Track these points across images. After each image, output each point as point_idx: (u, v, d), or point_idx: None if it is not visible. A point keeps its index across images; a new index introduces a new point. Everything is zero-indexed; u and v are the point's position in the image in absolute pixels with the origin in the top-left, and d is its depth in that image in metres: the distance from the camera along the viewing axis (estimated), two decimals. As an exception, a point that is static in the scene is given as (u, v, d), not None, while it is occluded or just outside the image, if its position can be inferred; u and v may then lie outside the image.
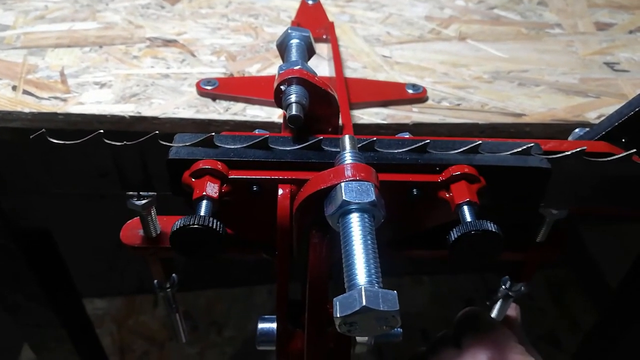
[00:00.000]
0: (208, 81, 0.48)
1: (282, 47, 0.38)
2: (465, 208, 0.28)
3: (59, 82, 0.48)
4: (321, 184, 0.27)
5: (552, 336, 1.25)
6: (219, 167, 0.29)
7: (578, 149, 0.30)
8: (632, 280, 0.83)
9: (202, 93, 0.48)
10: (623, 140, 0.36)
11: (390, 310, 0.21)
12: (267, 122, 0.46)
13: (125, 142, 0.29)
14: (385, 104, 0.48)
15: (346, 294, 0.22)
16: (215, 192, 0.28)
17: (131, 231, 0.35)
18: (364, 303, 0.21)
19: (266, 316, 0.37)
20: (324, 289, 0.29)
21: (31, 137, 0.28)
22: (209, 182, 0.29)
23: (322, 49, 0.55)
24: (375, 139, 0.31)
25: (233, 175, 0.30)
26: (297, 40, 0.37)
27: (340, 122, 0.36)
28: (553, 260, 0.37)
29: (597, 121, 0.48)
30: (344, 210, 0.25)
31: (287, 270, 0.30)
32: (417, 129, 0.47)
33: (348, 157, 0.28)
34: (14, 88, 0.47)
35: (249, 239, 0.34)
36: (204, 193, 0.28)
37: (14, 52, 0.52)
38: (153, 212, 0.34)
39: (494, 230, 0.26)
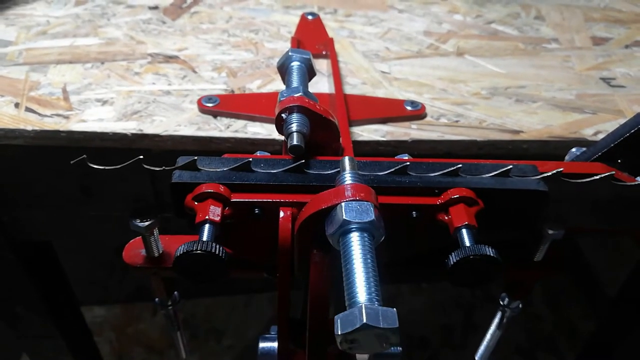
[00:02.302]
0: (209, 98, 0.48)
1: (283, 69, 0.38)
2: (464, 231, 0.29)
3: (61, 99, 0.49)
4: (322, 204, 0.27)
5: (550, 343, 1.25)
6: (222, 190, 0.30)
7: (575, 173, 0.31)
8: (631, 287, 0.84)
9: (204, 110, 0.48)
10: (619, 160, 0.36)
11: (390, 327, 0.21)
12: (268, 140, 0.46)
13: (164, 167, 0.29)
14: (384, 120, 0.49)
15: (347, 312, 0.22)
16: (218, 216, 0.29)
17: (133, 251, 0.35)
18: (364, 320, 0.21)
19: (267, 335, 0.37)
20: (324, 308, 0.30)
21: (71, 162, 0.29)
22: (211, 206, 0.29)
23: (322, 64, 0.56)
24: (375, 161, 0.32)
25: (235, 198, 0.30)
26: (298, 63, 0.38)
27: (340, 143, 0.36)
28: (551, 278, 0.37)
29: (594, 138, 0.49)
30: (345, 229, 0.25)
31: (288, 291, 0.31)
32: (416, 145, 0.47)
33: (348, 178, 0.28)
34: (17, 105, 0.48)
35: (250, 259, 0.34)
36: (207, 217, 0.29)
37: (16, 68, 0.53)
38: (156, 232, 0.34)
39: (492, 255, 0.27)
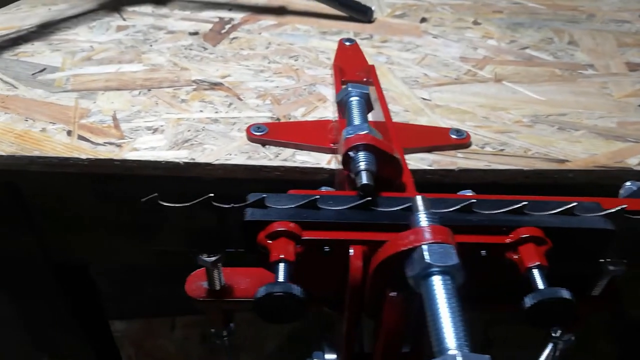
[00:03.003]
0: (258, 127, 0.49)
1: (342, 104, 0.39)
2: (536, 272, 0.29)
3: (112, 126, 0.50)
4: (401, 246, 0.27)
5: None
6: (293, 228, 0.30)
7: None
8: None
9: (252, 139, 0.49)
10: (679, 197, 0.36)
11: None
12: (317, 168, 0.47)
13: (232, 204, 0.30)
14: (430, 149, 0.49)
15: (443, 357, 0.22)
16: (292, 254, 0.29)
17: (195, 283, 0.36)
18: None
19: None
20: (397, 345, 0.30)
21: (142, 200, 0.29)
22: (285, 245, 0.30)
23: (363, 91, 0.56)
24: (440, 198, 0.32)
25: (306, 236, 0.30)
26: (357, 98, 0.38)
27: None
28: (606, 312, 0.37)
29: (638, 167, 0.49)
30: (427, 272, 0.26)
31: (356, 326, 0.31)
32: (463, 175, 0.48)
33: (424, 219, 0.29)
34: (69, 133, 0.48)
35: (313, 294, 0.35)
36: (281, 256, 0.29)
37: (65, 95, 0.54)
38: (219, 266, 0.35)
39: (568, 297, 0.27)
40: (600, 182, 0.49)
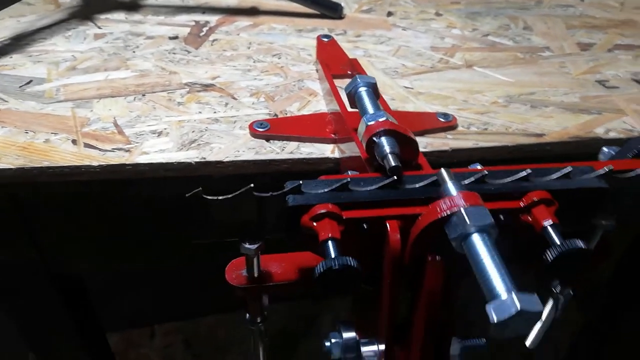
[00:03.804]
0: (260, 124, 0.51)
1: (352, 94, 0.42)
2: (550, 229, 0.33)
3: (116, 133, 0.50)
4: (439, 213, 0.31)
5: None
6: (334, 209, 0.33)
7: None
8: (619, 278, 0.92)
9: (256, 135, 0.51)
10: (651, 156, 0.42)
11: (538, 311, 0.25)
12: (322, 159, 0.50)
13: (271, 193, 0.32)
14: (422, 133, 0.53)
15: (497, 301, 0.26)
16: (338, 233, 0.32)
17: (234, 273, 0.38)
18: (519, 307, 0.25)
19: (351, 341, 0.40)
20: (438, 308, 0.33)
21: (187, 195, 0.31)
22: (330, 224, 0.32)
23: (350, 84, 0.59)
24: (457, 172, 0.36)
25: (347, 216, 0.33)
26: (366, 88, 0.41)
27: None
28: (600, 266, 0.42)
29: (606, 136, 0.55)
30: (468, 232, 0.29)
31: (398, 296, 0.34)
32: (455, 154, 0.52)
33: (453, 187, 0.32)
34: (74, 142, 0.49)
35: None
36: (329, 235, 0.32)
37: (59, 105, 0.54)
38: (259, 254, 0.37)
39: (584, 247, 0.31)
40: (574, 151, 0.54)
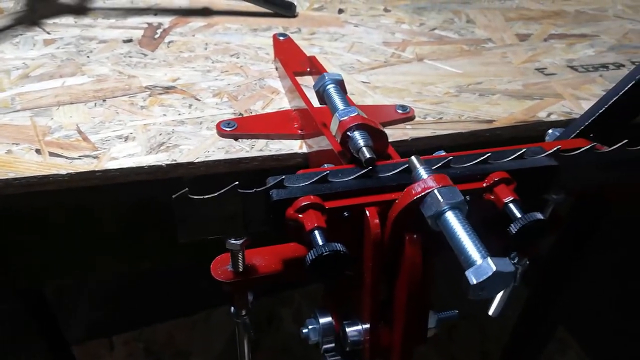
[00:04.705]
0: (228, 123, 0.52)
1: (321, 92, 0.44)
2: (511, 205, 0.37)
3: (81, 140, 0.50)
4: (414, 195, 0.33)
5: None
6: (317, 200, 0.35)
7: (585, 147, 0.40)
8: (558, 250, 0.99)
9: (224, 134, 0.52)
10: (591, 135, 0.46)
11: (511, 271, 0.28)
12: (290, 154, 0.51)
13: (255, 189, 0.33)
14: (383, 125, 0.56)
15: (475, 266, 0.28)
16: (322, 222, 0.34)
17: (220, 269, 0.39)
18: (494, 269, 0.28)
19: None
20: (420, 282, 0.36)
21: (173, 196, 0.32)
22: (314, 215, 0.34)
23: (310, 81, 0.61)
24: (427, 159, 0.39)
25: (329, 206, 0.35)
26: (334, 85, 0.43)
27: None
28: (553, 235, 0.47)
29: (549, 119, 0.60)
30: (442, 210, 0.32)
31: (380, 277, 0.37)
32: (415, 143, 0.55)
33: (424, 171, 0.35)
34: (38, 151, 0.48)
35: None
36: (315, 224, 0.33)
37: (17, 115, 0.52)
38: (243, 249, 0.38)
39: (543, 218, 0.35)
40: (521, 134, 0.59)
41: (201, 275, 0.43)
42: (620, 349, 1.21)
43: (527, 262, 0.49)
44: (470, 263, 0.29)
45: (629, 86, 0.44)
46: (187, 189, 0.33)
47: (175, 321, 1.45)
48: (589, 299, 1.23)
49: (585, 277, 1.02)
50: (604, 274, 1.19)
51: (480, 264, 0.28)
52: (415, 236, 0.35)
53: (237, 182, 0.34)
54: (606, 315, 1.28)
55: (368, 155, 0.37)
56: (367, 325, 0.38)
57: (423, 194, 0.33)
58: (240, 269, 0.39)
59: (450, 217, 0.32)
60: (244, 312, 0.43)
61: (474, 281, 0.28)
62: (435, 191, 0.32)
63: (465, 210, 0.33)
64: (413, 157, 0.36)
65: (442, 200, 0.32)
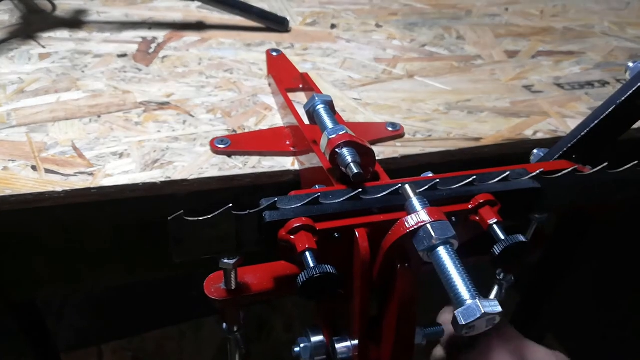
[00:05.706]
0: (221, 140, 0.53)
1: (311, 112, 0.45)
2: (495, 227, 0.38)
3: (77, 156, 0.50)
4: (408, 227, 0.34)
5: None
6: (308, 222, 0.36)
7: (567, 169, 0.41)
8: (551, 253, 1.01)
9: (217, 151, 0.53)
10: (573, 156, 0.48)
11: (499, 312, 0.29)
12: (283, 171, 0.52)
13: (249, 211, 0.34)
14: (373, 142, 0.57)
15: (464, 307, 0.30)
16: (314, 243, 0.35)
17: (213, 287, 0.40)
18: (483, 311, 0.29)
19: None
20: (412, 309, 0.37)
21: (169, 218, 0.33)
22: (306, 236, 0.35)
23: (302, 98, 0.63)
24: (415, 181, 0.40)
25: (320, 227, 0.36)
26: (323, 105, 0.45)
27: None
28: (536, 255, 0.48)
29: (535, 137, 0.61)
30: (434, 245, 0.33)
31: (369, 296, 0.38)
32: (405, 160, 0.56)
33: (418, 204, 0.36)
34: (34, 168, 0.49)
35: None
36: (307, 246, 0.35)
37: (13, 131, 0.53)
38: (236, 268, 0.39)
39: (525, 240, 0.36)
40: (508, 152, 0.60)
41: (191, 284, 0.44)
42: (605, 354, 1.23)
43: (512, 279, 0.51)
44: (459, 302, 0.30)
45: (609, 110, 0.46)
46: (182, 211, 0.34)
47: (164, 330, 1.45)
48: (575, 307, 1.25)
49: (572, 285, 1.04)
50: (589, 282, 1.21)
51: (469, 305, 0.30)
52: (407, 265, 0.36)
53: (231, 205, 0.35)
54: (591, 321, 1.30)
55: (356, 171, 0.38)
56: (356, 342, 0.39)
57: (416, 227, 0.34)
58: (233, 287, 0.40)
59: (442, 252, 0.33)
60: (236, 329, 0.44)
61: (462, 322, 0.29)
62: (428, 226, 0.33)
63: (457, 244, 0.34)
64: (407, 186, 0.37)
65: (434, 235, 0.33)
